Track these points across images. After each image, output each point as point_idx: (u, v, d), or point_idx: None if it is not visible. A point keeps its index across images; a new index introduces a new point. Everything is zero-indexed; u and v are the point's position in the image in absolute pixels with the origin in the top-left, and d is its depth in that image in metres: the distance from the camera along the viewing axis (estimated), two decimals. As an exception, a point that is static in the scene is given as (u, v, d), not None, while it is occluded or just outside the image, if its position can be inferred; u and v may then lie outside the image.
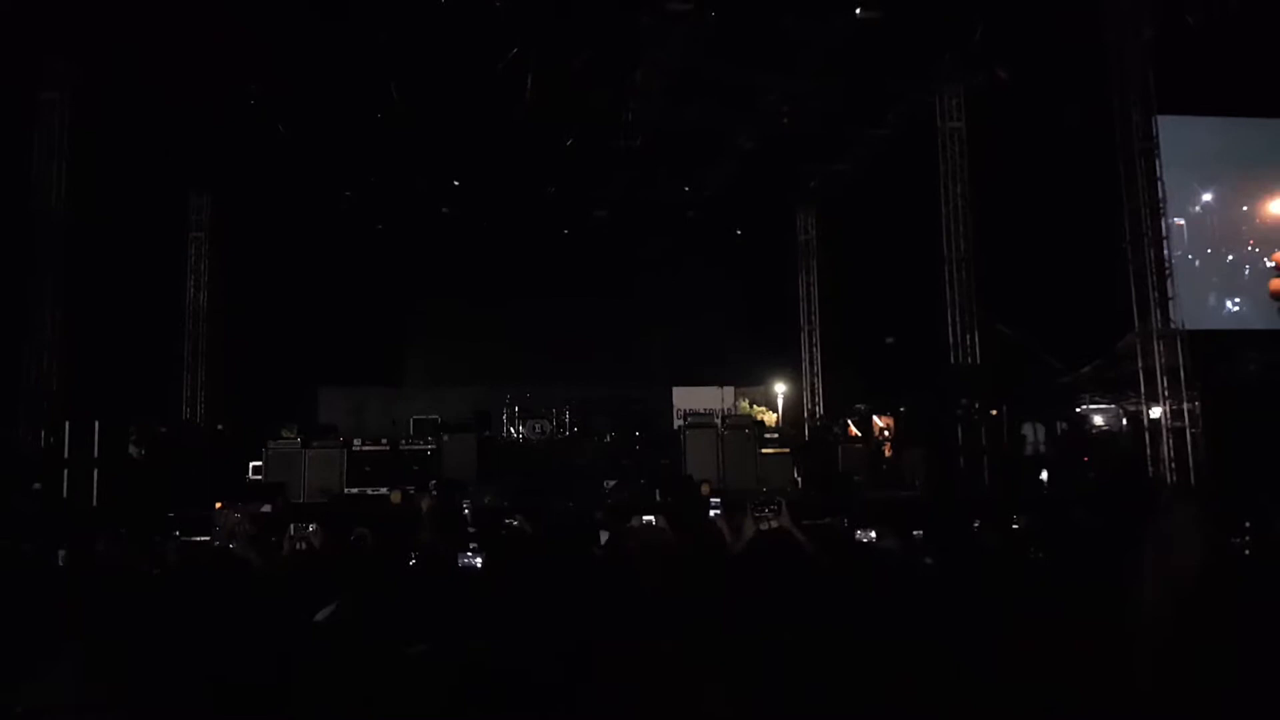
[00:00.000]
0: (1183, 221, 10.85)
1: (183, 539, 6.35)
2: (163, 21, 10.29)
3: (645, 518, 5.24)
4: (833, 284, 18.70)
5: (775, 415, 18.51)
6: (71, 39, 10.92)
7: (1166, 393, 10.00)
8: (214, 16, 10.35)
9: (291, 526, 5.52)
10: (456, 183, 15.91)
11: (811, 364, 19.25)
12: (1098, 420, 12.93)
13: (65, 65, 11.56)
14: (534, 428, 15.81)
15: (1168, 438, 9.96)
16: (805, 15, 10.76)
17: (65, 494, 10.97)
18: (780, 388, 19.30)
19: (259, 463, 12.61)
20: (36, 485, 10.75)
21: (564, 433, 15.95)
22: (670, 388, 18.58)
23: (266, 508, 9.16)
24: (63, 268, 11.77)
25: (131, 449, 12.36)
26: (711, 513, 4.93)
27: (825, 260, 19.00)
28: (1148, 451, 10.24)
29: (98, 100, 11.94)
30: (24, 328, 11.52)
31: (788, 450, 13.63)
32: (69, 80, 11.67)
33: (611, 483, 12.05)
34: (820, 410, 18.81)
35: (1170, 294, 10.12)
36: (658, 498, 11.12)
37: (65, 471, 11.15)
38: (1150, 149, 10.25)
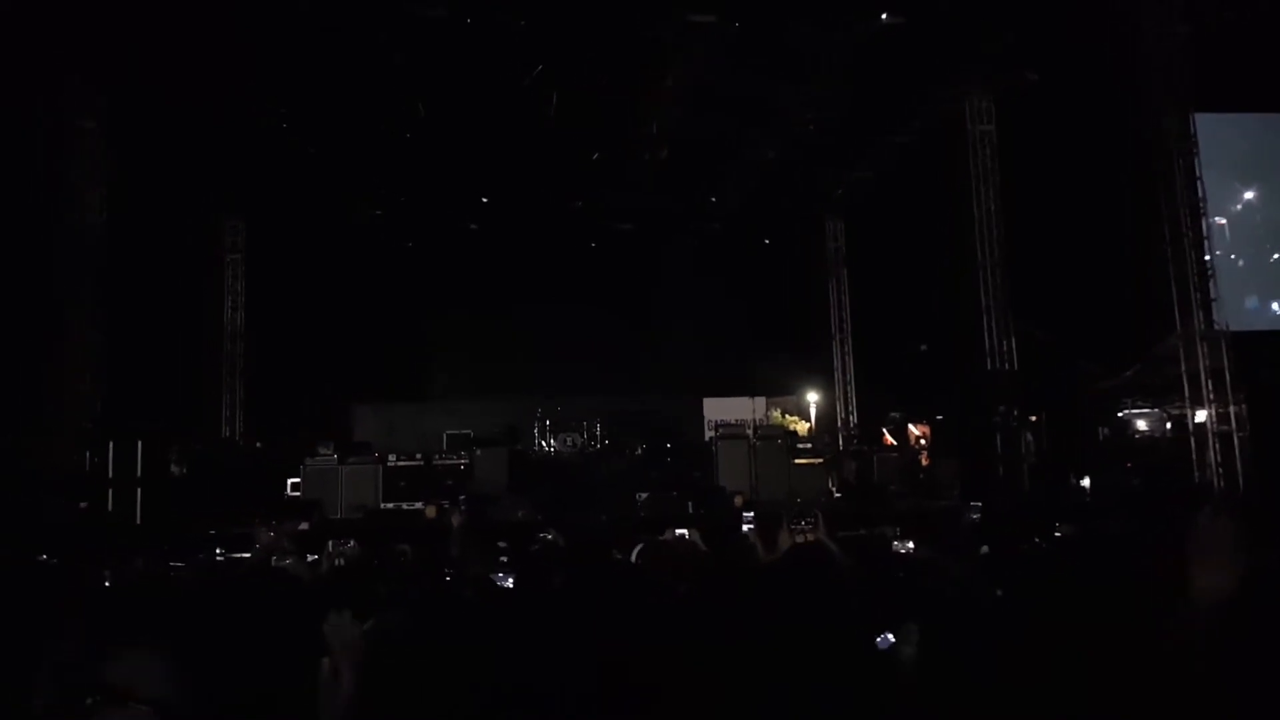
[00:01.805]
0: (1224, 221, 10.62)
1: (224, 555, 6.44)
2: (195, 47, 10.51)
3: (678, 531, 5.20)
4: (864, 291, 18.57)
5: (808, 425, 18.37)
6: (106, 67, 11.18)
7: (1211, 396, 9.78)
8: (245, 42, 10.55)
9: (330, 543, 5.58)
10: (485, 199, 16.03)
11: (844, 372, 19.10)
12: (1140, 425, 12.66)
13: (102, 94, 11.86)
14: (565, 441, 15.82)
15: (1214, 442, 9.73)
16: (830, 22, 10.72)
17: (109, 512, 11.20)
18: (813, 397, 19.15)
19: (297, 479, 12.76)
20: (82, 504, 10.97)
21: (595, 445, 15.95)
22: (701, 399, 18.51)
23: (304, 525, 9.26)
24: (103, 290, 12.03)
25: (173, 467, 12.57)
26: (744, 526, 4.87)
27: (855, 267, 18.88)
28: (1193, 457, 10.00)
29: (134, 127, 12.22)
30: (67, 349, 11.76)
31: (821, 460, 13.50)
32: (106, 108, 11.96)
33: (644, 495, 12.01)
34: (854, 419, 18.64)
35: (1213, 295, 9.90)
36: (690, 510, 11.07)
37: (109, 490, 11.38)
38: (1189, 148, 10.06)
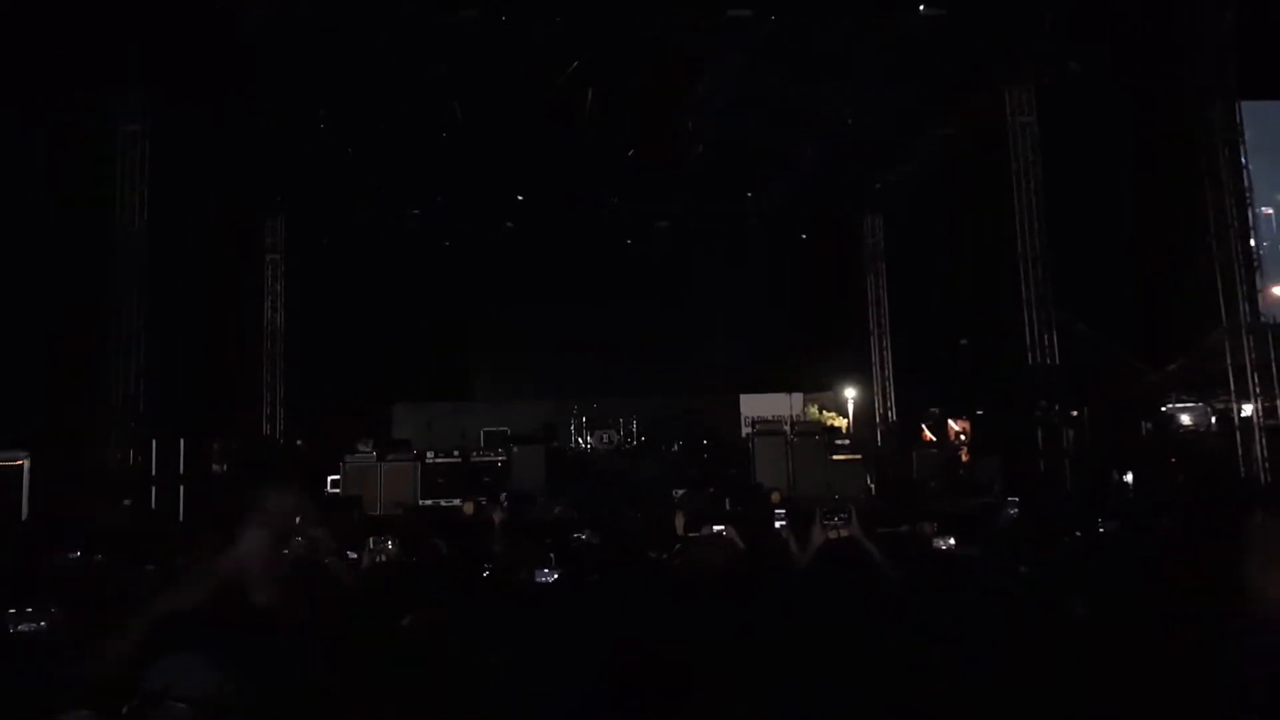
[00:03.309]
0: (1270, 211, 10.38)
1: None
2: (235, 51, 10.68)
3: (716, 527, 5.19)
4: (902, 286, 18.38)
5: (846, 421, 18.22)
6: (149, 71, 11.39)
7: (1258, 390, 9.56)
8: (283, 45, 10.70)
9: (370, 540, 5.63)
10: (521, 198, 16.11)
11: (882, 368, 18.92)
12: (1185, 419, 12.39)
13: (145, 98, 12.10)
14: (601, 438, 15.86)
15: (1260, 436, 9.52)
16: (867, 15, 10.61)
17: (153, 510, 11.46)
18: (850, 393, 18.98)
19: (337, 476, 12.94)
20: (126, 501, 11.21)
21: (631, 443, 15.97)
22: (737, 395, 18.43)
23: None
24: (147, 292, 12.27)
25: (215, 465, 12.81)
26: (777, 522, 4.84)
27: (894, 262, 18.69)
28: (1240, 452, 9.79)
29: (176, 130, 12.45)
30: (111, 350, 12.01)
31: (859, 457, 13.38)
32: (149, 112, 12.21)
33: (680, 492, 12.01)
34: (893, 415, 18.46)
35: (1259, 287, 9.67)
36: (727, 506, 11.05)
37: (153, 488, 11.64)
38: (1234, 137, 9.83)
